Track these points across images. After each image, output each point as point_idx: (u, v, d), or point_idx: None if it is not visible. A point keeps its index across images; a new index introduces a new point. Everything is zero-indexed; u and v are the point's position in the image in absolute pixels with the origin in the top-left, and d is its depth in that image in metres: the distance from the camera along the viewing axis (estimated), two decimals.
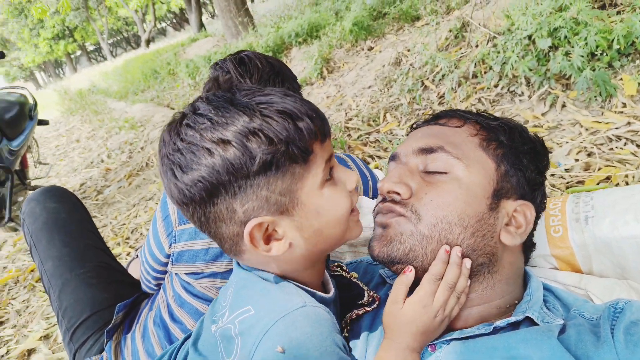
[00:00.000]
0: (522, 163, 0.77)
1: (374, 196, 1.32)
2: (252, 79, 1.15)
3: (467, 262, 0.73)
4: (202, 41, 10.39)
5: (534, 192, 0.79)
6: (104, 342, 1.23)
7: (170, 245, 1.09)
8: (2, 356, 1.97)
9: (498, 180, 0.75)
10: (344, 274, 0.89)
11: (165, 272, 1.22)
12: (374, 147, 2.88)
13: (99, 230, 3.16)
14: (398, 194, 0.74)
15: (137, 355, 1.16)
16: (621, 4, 2.33)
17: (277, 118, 0.61)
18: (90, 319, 1.28)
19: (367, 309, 0.82)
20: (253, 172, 0.61)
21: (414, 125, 0.89)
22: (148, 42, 21.44)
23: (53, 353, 1.87)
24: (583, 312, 0.71)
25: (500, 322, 0.71)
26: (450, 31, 3.37)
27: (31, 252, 1.44)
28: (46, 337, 2.01)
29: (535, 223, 0.79)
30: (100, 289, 1.35)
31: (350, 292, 0.88)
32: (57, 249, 1.38)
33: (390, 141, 2.82)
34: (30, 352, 1.96)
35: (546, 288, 0.79)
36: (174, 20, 35.09)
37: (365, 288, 0.84)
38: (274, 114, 0.61)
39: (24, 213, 1.47)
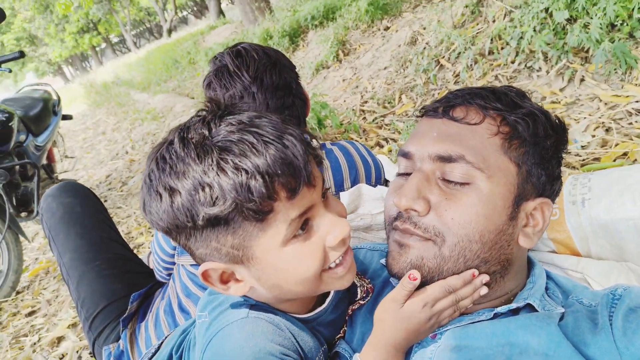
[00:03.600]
0: (544, 160, 0.72)
1: (377, 183, 1.31)
2: (249, 71, 1.16)
3: (483, 290, 0.71)
4: (220, 28, 10.41)
5: (553, 186, 0.74)
6: (120, 331, 1.28)
7: None
8: (35, 343, 2.07)
9: (519, 184, 0.70)
10: None
11: (174, 263, 1.26)
12: (388, 129, 2.85)
13: (124, 220, 3.27)
14: (416, 210, 0.70)
15: (150, 343, 1.20)
16: None
17: (231, 174, 0.57)
18: (106, 309, 1.34)
19: (361, 302, 0.83)
20: (199, 225, 0.59)
21: (425, 111, 0.80)
22: (170, 31, 21.63)
23: (80, 340, 1.96)
24: (582, 298, 0.70)
25: (501, 308, 0.70)
26: (467, 7, 3.28)
27: (50, 246, 1.51)
28: (74, 325, 2.10)
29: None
30: (115, 280, 1.40)
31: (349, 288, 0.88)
32: (73, 242, 1.44)
33: (403, 122, 2.79)
34: (60, 339, 2.05)
35: (548, 276, 0.78)
36: (195, 9, 35.24)
37: (359, 284, 0.84)
38: (230, 169, 0.57)
39: (42, 209, 1.53)
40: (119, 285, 1.40)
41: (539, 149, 0.71)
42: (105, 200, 3.83)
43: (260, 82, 1.15)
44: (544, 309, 0.69)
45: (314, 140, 0.68)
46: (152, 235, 2.87)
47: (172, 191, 0.59)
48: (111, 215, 3.45)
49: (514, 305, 0.70)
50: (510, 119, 0.71)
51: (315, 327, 0.79)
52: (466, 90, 0.77)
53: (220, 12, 14.28)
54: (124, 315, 1.27)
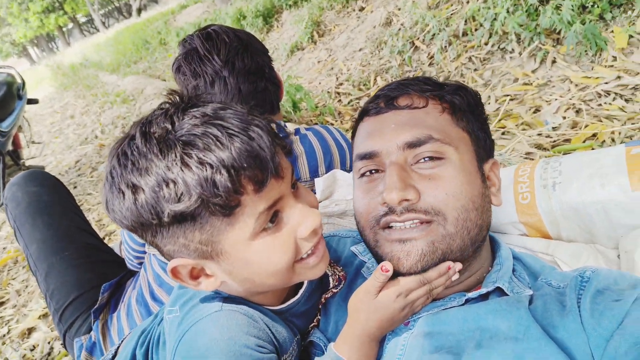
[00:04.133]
0: (484, 124, 0.79)
1: (352, 168, 1.30)
2: (219, 55, 1.12)
3: (455, 276, 0.71)
4: (191, 7, 10.14)
5: (492, 147, 0.81)
6: (92, 322, 1.25)
7: None
8: (4, 335, 2.02)
9: (475, 150, 0.75)
10: None
11: (145, 252, 1.23)
12: None
13: (94, 207, 3.19)
14: (408, 200, 0.69)
15: (122, 333, 1.18)
16: None
17: (195, 169, 0.55)
18: (77, 301, 1.30)
19: (334, 290, 0.82)
20: (165, 222, 0.57)
21: (366, 111, 0.81)
22: (139, 10, 20.94)
23: (52, 331, 1.92)
24: (550, 280, 0.71)
25: (471, 294, 0.71)
26: None
27: (16, 236, 1.46)
28: (44, 315, 2.05)
29: None
30: (86, 270, 1.37)
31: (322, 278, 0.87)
32: (40, 232, 1.39)
33: None
34: (31, 330, 2.01)
35: (514, 256, 0.79)
36: None
37: (330, 272, 0.83)
38: (194, 163, 0.55)
39: (6, 198, 1.47)
40: (90, 275, 1.36)
41: (477, 115, 0.78)
42: (75, 187, 3.73)
43: (232, 66, 1.12)
44: (513, 291, 0.70)
45: (283, 128, 0.66)
46: None
47: (135, 188, 0.57)
48: (81, 202, 3.38)
49: (484, 290, 0.71)
50: (447, 97, 0.77)
51: (288, 318, 0.78)
52: (393, 85, 0.80)
53: None
54: (95, 306, 1.24)
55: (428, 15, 2.99)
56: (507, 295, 0.70)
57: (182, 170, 0.55)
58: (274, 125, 0.64)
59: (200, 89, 1.11)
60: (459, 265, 0.70)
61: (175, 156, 0.56)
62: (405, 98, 0.77)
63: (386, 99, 0.78)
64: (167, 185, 0.56)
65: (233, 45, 1.14)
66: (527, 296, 0.69)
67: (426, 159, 0.71)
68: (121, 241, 1.75)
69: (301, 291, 0.78)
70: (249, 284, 0.67)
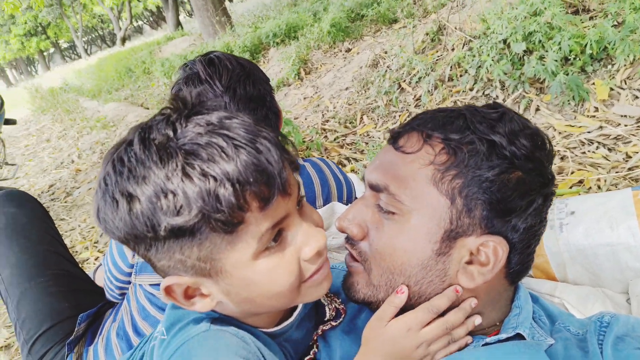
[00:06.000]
0: (488, 192, 0.64)
1: (348, 201, 1.29)
2: (221, 80, 1.11)
3: (477, 320, 0.68)
4: (178, 40, 10.24)
5: (511, 223, 0.66)
6: (65, 355, 1.17)
7: (134, 255, 1.04)
8: None
9: (452, 219, 0.65)
10: None
11: (129, 282, 1.17)
12: (350, 149, 2.86)
13: (67, 233, 3.07)
14: (348, 234, 0.71)
15: None
16: (594, 9, 2.36)
17: (197, 181, 0.51)
18: (50, 331, 1.22)
19: (333, 323, 0.79)
20: (161, 236, 0.53)
21: (392, 131, 0.77)
22: (124, 40, 21.05)
23: None
24: (569, 326, 0.70)
25: (490, 339, 0.68)
26: (427, 34, 3.37)
27: None
28: (7, 346, 1.92)
29: (528, 251, 0.70)
30: (61, 298, 1.29)
31: (317, 309, 0.84)
32: (15, 256, 1.32)
33: (367, 143, 2.80)
34: None
35: (532, 297, 0.76)
36: (151, 19, 34.57)
37: (326, 303, 0.80)
38: (197, 175, 0.51)
39: None
40: (66, 305, 1.28)
41: (480, 180, 0.64)
42: (48, 212, 3.59)
43: (233, 92, 1.10)
44: (534, 338, 0.67)
45: (289, 145, 0.64)
46: (100, 251, 2.71)
47: (130, 197, 0.53)
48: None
49: (503, 336, 0.67)
50: (450, 146, 0.66)
51: (282, 343, 0.74)
52: (429, 114, 0.72)
53: (178, 24, 14.05)
54: (71, 338, 1.16)
55: (415, 59, 3.07)
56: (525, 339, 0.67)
57: (182, 181, 0.51)
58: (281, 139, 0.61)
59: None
60: (473, 300, 0.68)
61: (176, 166, 0.52)
62: (405, 137, 0.71)
63: (394, 133, 0.74)
64: (166, 196, 0.51)
65: (235, 72, 1.13)
66: (548, 344, 0.66)
67: (386, 212, 0.68)
68: (96, 268, 1.67)
69: (295, 313, 0.74)
70: (248, 305, 0.63)
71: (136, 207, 0.53)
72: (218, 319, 0.66)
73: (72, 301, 1.30)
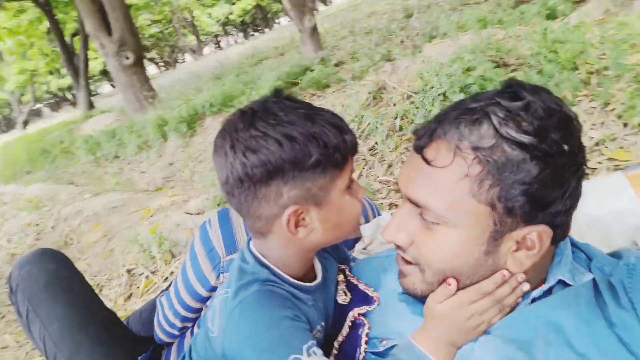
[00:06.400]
0: (527, 193, 0.66)
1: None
2: None
3: (526, 286, 0.74)
4: (99, 117, 10.01)
5: (549, 211, 0.68)
6: None
7: (218, 276, 1.13)
8: None
9: (496, 222, 0.69)
10: (349, 279, 1.03)
11: (199, 311, 1.23)
12: None
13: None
14: (398, 245, 0.79)
15: None
16: (512, 63, 2.87)
17: (330, 129, 0.76)
18: None
19: (368, 308, 0.93)
20: (307, 167, 0.74)
21: (417, 138, 0.76)
22: (25, 123, 19.96)
23: None
24: (603, 265, 0.77)
25: (535, 292, 0.75)
26: (369, 93, 3.77)
27: (27, 320, 1.34)
28: None
29: (569, 219, 0.74)
30: (114, 346, 1.31)
31: (358, 294, 0.99)
32: (63, 309, 1.31)
33: None
34: None
35: (572, 243, 0.82)
36: (52, 101, 33.20)
37: (362, 288, 0.98)
38: (327, 125, 0.76)
39: (17, 279, 1.37)
40: (119, 351, 1.30)
41: (516, 185, 0.66)
42: None
43: None
44: (574, 279, 0.74)
45: None
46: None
47: (290, 138, 0.73)
48: (3, 315, 2.99)
49: (546, 287, 0.74)
50: (481, 156, 0.66)
51: (315, 300, 0.91)
52: (451, 116, 0.71)
53: (91, 103, 13.71)
54: None
55: (365, 114, 3.42)
56: (569, 285, 0.74)
57: (322, 128, 0.75)
58: None
59: None
60: (522, 275, 0.73)
61: (313, 119, 0.76)
62: (434, 149, 0.71)
63: (418, 144, 0.74)
64: (314, 138, 0.74)
65: None
66: (589, 281, 0.74)
67: (424, 217, 0.74)
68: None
69: (319, 275, 0.95)
70: (331, 230, 0.83)
71: (295, 145, 0.74)
72: (266, 280, 0.85)
73: (123, 347, 1.32)
